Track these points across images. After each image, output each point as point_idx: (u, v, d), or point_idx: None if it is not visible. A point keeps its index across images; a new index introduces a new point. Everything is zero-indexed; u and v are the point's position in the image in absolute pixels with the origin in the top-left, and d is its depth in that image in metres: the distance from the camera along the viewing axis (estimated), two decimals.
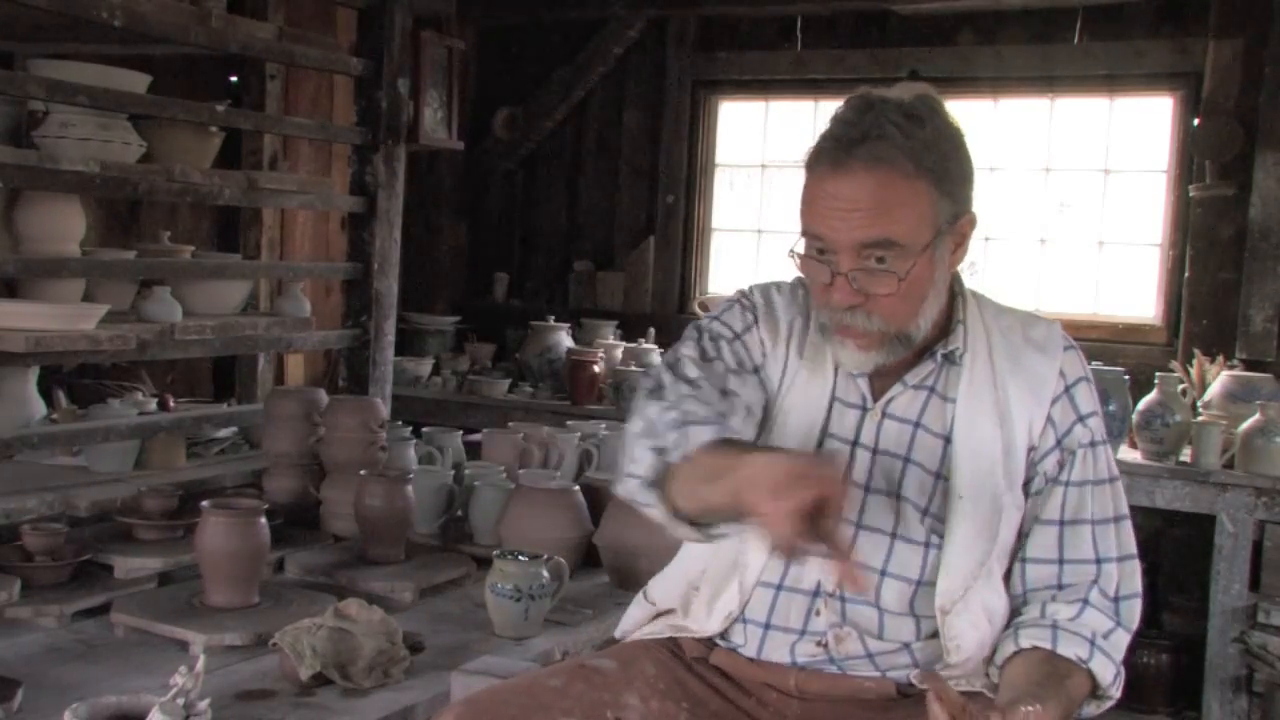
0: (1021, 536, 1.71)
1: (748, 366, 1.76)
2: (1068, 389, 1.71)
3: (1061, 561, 1.67)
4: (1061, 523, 1.68)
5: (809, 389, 1.75)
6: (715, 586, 1.75)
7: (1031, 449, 1.70)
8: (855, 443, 1.73)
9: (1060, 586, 1.66)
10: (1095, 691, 1.63)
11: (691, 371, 1.71)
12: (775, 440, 1.74)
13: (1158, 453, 3.98)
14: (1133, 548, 1.71)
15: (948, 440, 1.70)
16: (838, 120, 1.63)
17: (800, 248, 1.67)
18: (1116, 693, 1.64)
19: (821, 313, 1.70)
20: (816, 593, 1.70)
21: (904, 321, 1.66)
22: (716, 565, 1.76)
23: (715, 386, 1.69)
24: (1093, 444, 1.71)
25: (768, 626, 1.72)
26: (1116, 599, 1.66)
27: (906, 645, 1.68)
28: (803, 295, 1.81)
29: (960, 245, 1.70)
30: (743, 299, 1.83)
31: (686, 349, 1.76)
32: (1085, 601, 1.64)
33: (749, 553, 1.72)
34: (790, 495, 1.36)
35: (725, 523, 1.55)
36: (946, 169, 1.63)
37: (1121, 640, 1.65)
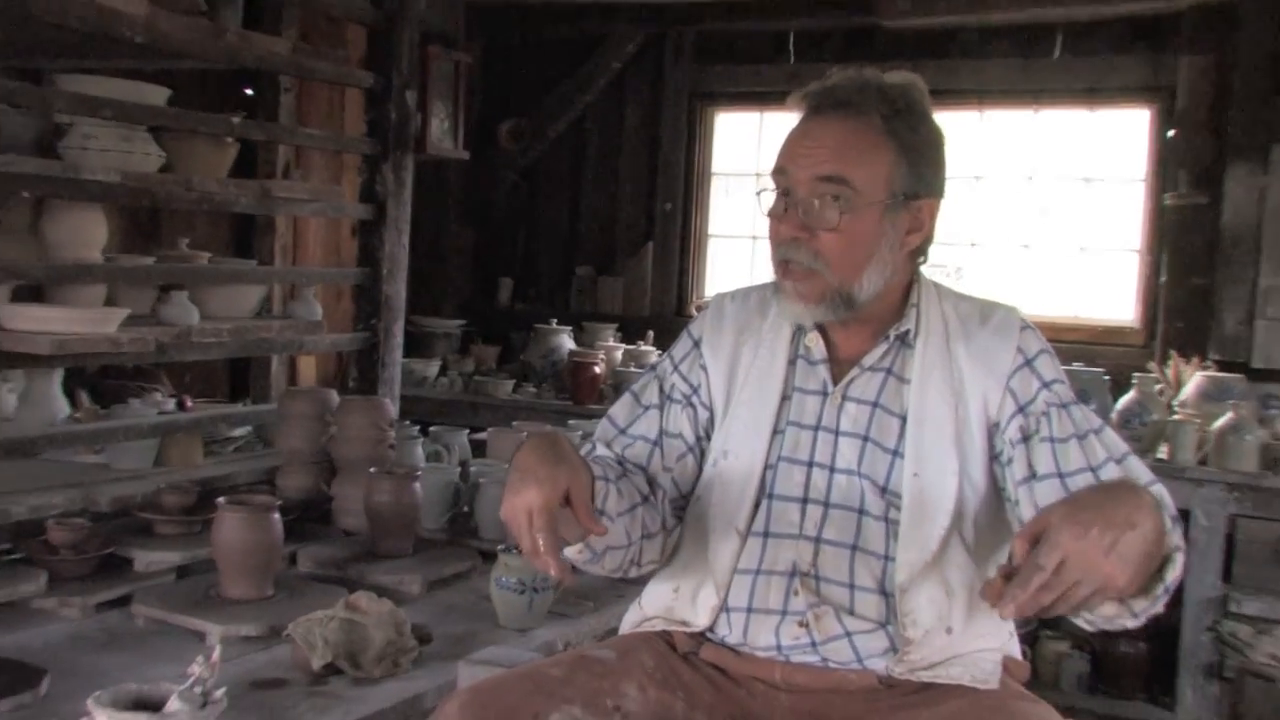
0: (1010, 506, 1.68)
1: (678, 396, 1.84)
2: (1028, 361, 1.71)
3: None
4: (1060, 475, 1.63)
5: (763, 383, 1.78)
6: (695, 582, 1.76)
7: (993, 425, 1.70)
8: (818, 427, 1.74)
9: None
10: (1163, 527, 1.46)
11: (613, 432, 1.86)
12: (733, 429, 1.78)
13: (1135, 450, 3.95)
14: (1146, 471, 1.64)
15: (904, 419, 1.71)
16: (831, 79, 1.71)
17: (771, 191, 1.72)
18: (1179, 540, 1.50)
19: (773, 255, 1.73)
20: (793, 573, 1.70)
21: (844, 272, 1.67)
22: (692, 563, 1.78)
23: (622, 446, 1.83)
24: (1063, 404, 1.69)
25: (750, 611, 1.71)
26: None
27: (882, 625, 1.67)
28: (756, 298, 1.85)
29: (917, 230, 1.72)
30: (691, 325, 1.92)
31: (620, 406, 1.88)
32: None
33: (718, 546, 1.74)
34: (516, 498, 1.50)
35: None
36: (914, 142, 1.68)
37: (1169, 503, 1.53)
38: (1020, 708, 1.62)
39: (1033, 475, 1.64)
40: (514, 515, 1.51)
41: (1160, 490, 1.56)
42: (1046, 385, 1.69)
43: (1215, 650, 3.83)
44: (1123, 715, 4.03)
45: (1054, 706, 1.66)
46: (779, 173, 1.70)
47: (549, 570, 1.50)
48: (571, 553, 1.65)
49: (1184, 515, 3.75)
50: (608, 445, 1.83)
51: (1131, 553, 1.34)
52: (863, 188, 1.65)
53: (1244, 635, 3.61)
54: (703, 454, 1.83)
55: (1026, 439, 1.67)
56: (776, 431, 1.76)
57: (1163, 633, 4.02)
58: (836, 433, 1.74)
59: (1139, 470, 1.64)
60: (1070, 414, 1.68)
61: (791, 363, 1.78)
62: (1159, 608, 1.50)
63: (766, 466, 1.75)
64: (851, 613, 1.68)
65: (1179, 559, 1.48)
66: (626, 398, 1.88)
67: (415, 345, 5.24)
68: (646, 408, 1.85)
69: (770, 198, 1.72)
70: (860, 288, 1.68)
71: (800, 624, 1.68)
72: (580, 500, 1.52)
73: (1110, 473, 1.62)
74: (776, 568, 1.71)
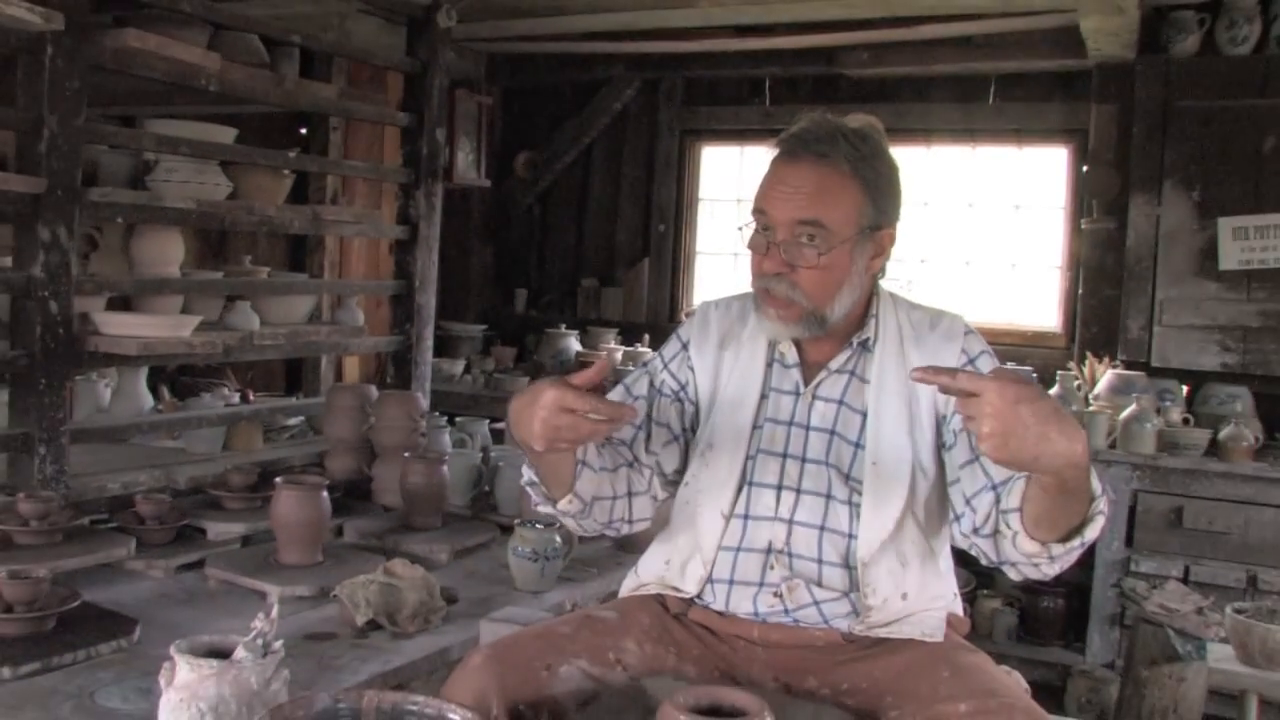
0: (954, 488, 1.64)
1: (667, 390, 1.80)
2: (970, 360, 1.69)
3: (994, 486, 1.55)
4: (978, 459, 1.58)
5: (743, 383, 1.76)
6: (684, 557, 1.74)
7: (941, 417, 1.67)
8: (791, 422, 1.73)
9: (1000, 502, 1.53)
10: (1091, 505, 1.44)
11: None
12: (717, 424, 1.75)
13: None
14: None
15: (864, 415, 1.69)
16: (799, 126, 1.67)
17: (750, 226, 1.68)
18: (1106, 511, 1.45)
19: (755, 283, 1.70)
20: (769, 550, 1.69)
21: (820, 300, 1.65)
22: (680, 540, 1.76)
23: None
24: None
25: (732, 582, 1.70)
26: None
27: (845, 594, 1.66)
28: (737, 307, 1.82)
29: (879, 254, 1.70)
30: (680, 329, 1.87)
31: (612, 393, 1.80)
32: None
33: (705, 527, 1.72)
34: (537, 416, 1.44)
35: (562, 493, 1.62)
36: (877, 182, 1.65)
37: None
38: (961, 656, 1.63)
39: (975, 458, 1.59)
40: (552, 428, 1.44)
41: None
42: None
43: (1118, 603, 3.88)
44: (1045, 659, 4.07)
45: (989, 655, 1.68)
46: (759, 212, 1.66)
47: (620, 414, 1.45)
48: (564, 504, 1.63)
49: None
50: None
51: (1019, 449, 1.29)
52: (835, 228, 1.62)
53: (1141, 590, 3.64)
54: (687, 443, 1.79)
55: (963, 429, 1.62)
56: (756, 427, 1.73)
57: (1077, 590, 4.09)
58: (808, 428, 1.72)
59: None
60: None
61: (768, 366, 1.76)
62: (1073, 558, 1.46)
63: (748, 457, 1.72)
64: (819, 584, 1.66)
65: (1099, 521, 1.44)
66: (619, 388, 1.84)
67: (443, 347, 5.23)
68: (636, 398, 1.80)
69: (750, 232, 1.68)
70: (832, 311, 1.67)
71: (775, 595, 1.67)
72: (577, 379, 1.46)
73: None
74: (755, 545, 1.69)
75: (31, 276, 2.59)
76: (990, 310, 5.01)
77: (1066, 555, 1.46)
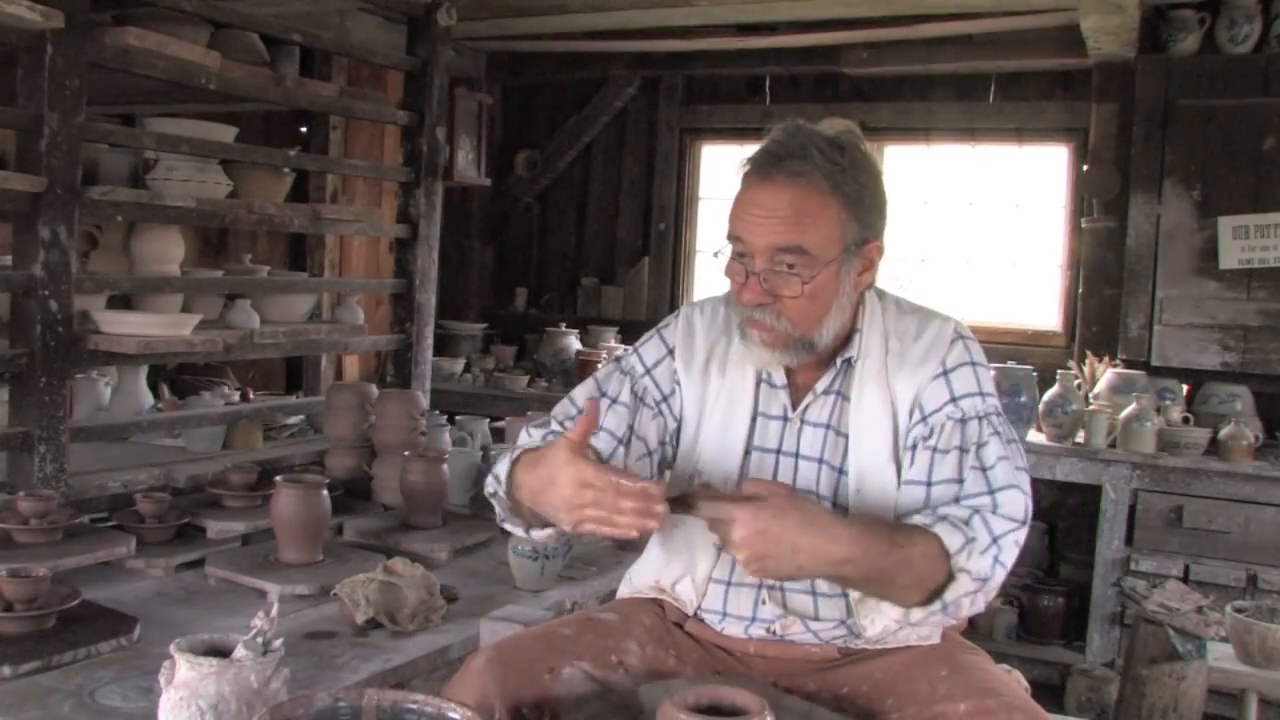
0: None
1: (650, 400, 1.70)
2: (945, 373, 1.58)
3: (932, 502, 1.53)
4: (928, 483, 1.54)
5: (731, 407, 1.66)
6: (674, 577, 1.71)
7: (910, 430, 1.59)
8: (779, 450, 1.65)
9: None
10: (950, 566, 1.42)
11: (572, 410, 1.70)
12: (704, 452, 1.67)
13: (1058, 435, 4.04)
14: (1009, 478, 1.51)
15: (848, 438, 1.61)
16: (770, 140, 1.55)
17: (726, 251, 1.58)
18: (974, 567, 1.42)
19: (737, 310, 1.61)
20: (760, 585, 1.63)
21: (807, 326, 1.56)
22: (673, 562, 1.71)
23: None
24: (963, 419, 1.56)
25: (724, 615, 1.67)
26: (991, 491, 1.50)
27: (843, 621, 1.62)
28: (724, 317, 1.71)
29: (867, 269, 1.60)
30: (663, 330, 1.75)
31: (582, 389, 1.73)
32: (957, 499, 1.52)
33: (698, 558, 1.67)
34: (575, 513, 1.39)
35: (540, 525, 1.56)
36: (860, 195, 1.54)
37: (992, 523, 1.46)
38: (961, 655, 1.60)
39: (924, 481, 1.55)
40: (575, 509, 1.40)
41: (1012, 502, 1.48)
42: (954, 400, 1.57)
43: (1118, 602, 3.88)
44: (1045, 658, 4.07)
45: (989, 653, 1.67)
46: (734, 239, 1.56)
47: (651, 508, 1.37)
48: (538, 533, 1.59)
49: (1097, 490, 3.88)
50: (561, 424, 1.68)
51: (779, 569, 1.38)
52: (818, 252, 1.52)
53: (1141, 589, 3.63)
54: (661, 459, 1.70)
55: (913, 446, 1.57)
56: (746, 453, 1.65)
57: (1077, 589, 4.08)
58: (796, 456, 1.64)
59: (1002, 478, 1.52)
60: (964, 429, 1.55)
61: (756, 386, 1.67)
62: (945, 619, 1.45)
63: (738, 485, 1.63)
64: (816, 618, 1.63)
65: (963, 581, 1.42)
66: (589, 383, 1.73)
67: (443, 345, 5.23)
68: (613, 400, 1.68)
69: (726, 257, 1.58)
70: (821, 336, 1.58)
71: (769, 630, 1.63)
72: (575, 436, 1.41)
73: (971, 484, 1.52)
74: (745, 580, 1.63)
75: (32, 275, 2.59)
76: (990, 309, 5.00)
77: (928, 617, 1.44)
